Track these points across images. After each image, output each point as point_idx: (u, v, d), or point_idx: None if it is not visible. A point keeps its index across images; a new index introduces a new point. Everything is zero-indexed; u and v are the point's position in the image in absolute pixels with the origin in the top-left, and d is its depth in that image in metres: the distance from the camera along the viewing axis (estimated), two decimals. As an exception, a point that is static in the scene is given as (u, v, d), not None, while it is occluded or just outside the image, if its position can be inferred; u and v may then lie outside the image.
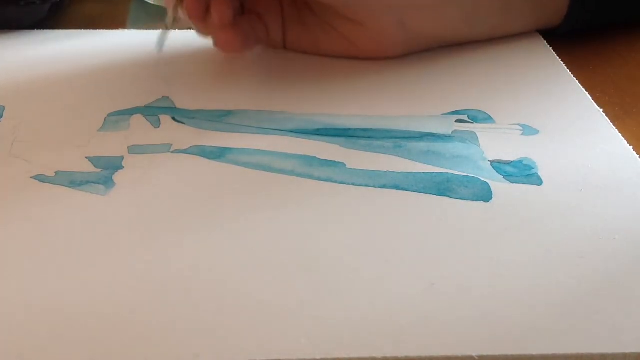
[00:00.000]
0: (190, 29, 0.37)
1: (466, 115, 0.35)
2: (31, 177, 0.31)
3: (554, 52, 0.42)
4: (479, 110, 0.36)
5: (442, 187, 0.30)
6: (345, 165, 0.32)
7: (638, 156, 0.32)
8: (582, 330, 0.23)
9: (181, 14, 0.36)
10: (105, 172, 0.31)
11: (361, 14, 0.39)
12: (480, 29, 0.42)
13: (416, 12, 0.39)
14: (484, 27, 0.42)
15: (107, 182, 0.30)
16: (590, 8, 0.43)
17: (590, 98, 0.37)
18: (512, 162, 0.32)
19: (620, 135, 0.34)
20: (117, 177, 0.31)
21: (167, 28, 0.36)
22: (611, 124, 0.35)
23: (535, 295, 0.24)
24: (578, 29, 0.44)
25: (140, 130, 0.35)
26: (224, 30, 0.37)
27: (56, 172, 0.31)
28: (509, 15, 0.42)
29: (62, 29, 0.46)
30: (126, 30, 0.46)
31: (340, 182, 0.30)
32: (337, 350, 0.22)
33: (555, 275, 0.25)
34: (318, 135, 0.34)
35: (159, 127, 0.35)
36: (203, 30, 0.38)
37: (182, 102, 0.37)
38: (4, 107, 0.37)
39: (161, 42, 0.36)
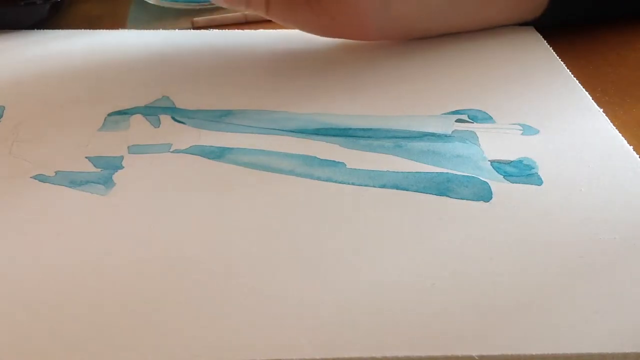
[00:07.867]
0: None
1: (466, 115, 0.35)
2: (31, 177, 0.31)
3: (555, 52, 0.42)
4: (479, 110, 0.36)
5: (442, 187, 0.30)
6: (345, 165, 0.32)
7: (638, 156, 0.32)
8: (582, 330, 0.23)
9: None
10: (105, 172, 0.31)
11: None
12: (463, 18, 0.42)
13: None
14: (466, 16, 0.42)
15: (107, 182, 0.30)
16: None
17: (590, 98, 0.37)
18: (512, 162, 0.32)
19: (620, 135, 0.34)
20: (117, 177, 0.31)
21: None
22: (611, 124, 0.35)
23: (536, 295, 0.24)
24: (560, 21, 0.44)
25: (140, 130, 0.35)
26: None
27: (56, 172, 0.31)
28: (490, 5, 0.42)
29: (62, 29, 0.46)
30: (126, 30, 0.46)
31: (340, 182, 0.30)
32: (337, 350, 0.22)
33: (555, 275, 0.25)
34: (318, 135, 0.34)
35: (159, 127, 0.35)
36: None
37: (182, 102, 0.37)
38: (4, 107, 0.37)
39: None
